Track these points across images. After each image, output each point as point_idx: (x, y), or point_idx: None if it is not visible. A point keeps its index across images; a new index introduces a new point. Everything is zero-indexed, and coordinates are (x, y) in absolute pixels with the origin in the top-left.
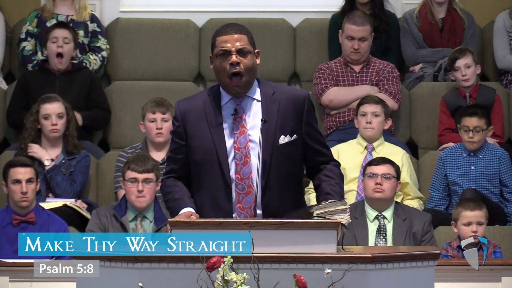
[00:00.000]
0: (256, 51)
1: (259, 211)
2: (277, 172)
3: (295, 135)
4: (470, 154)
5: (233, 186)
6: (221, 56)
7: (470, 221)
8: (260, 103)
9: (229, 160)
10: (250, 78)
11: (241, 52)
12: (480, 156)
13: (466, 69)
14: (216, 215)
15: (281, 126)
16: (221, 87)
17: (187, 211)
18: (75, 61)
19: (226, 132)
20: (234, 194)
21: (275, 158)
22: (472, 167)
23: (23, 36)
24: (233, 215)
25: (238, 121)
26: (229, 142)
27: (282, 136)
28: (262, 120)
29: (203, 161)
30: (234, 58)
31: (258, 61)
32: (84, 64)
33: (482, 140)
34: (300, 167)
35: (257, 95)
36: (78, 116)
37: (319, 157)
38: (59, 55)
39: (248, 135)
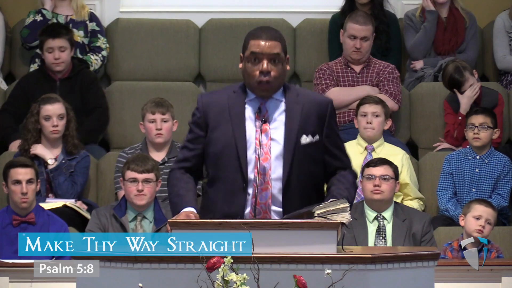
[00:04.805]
0: (287, 57)
1: (274, 208)
2: (298, 171)
3: (317, 136)
4: (475, 158)
5: (250, 180)
6: (252, 60)
7: (482, 215)
8: (283, 103)
9: (248, 155)
10: (279, 84)
11: (273, 60)
12: (486, 161)
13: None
14: (230, 208)
15: (304, 127)
16: (247, 87)
17: (187, 211)
18: (79, 57)
19: (248, 128)
20: (250, 188)
21: (297, 157)
22: (477, 170)
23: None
24: (247, 209)
25: (261, 118)
26: (249, 138)
27: (304, 136)
28: (262, 120)
29: (222, 154)
30: (265, 66)
31: (288, 67)
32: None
33: (487, 138)
34: (321, 169)
35: (282, 96)
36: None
37: (337, 162)
38: (57, 64)
39: (269, 133)
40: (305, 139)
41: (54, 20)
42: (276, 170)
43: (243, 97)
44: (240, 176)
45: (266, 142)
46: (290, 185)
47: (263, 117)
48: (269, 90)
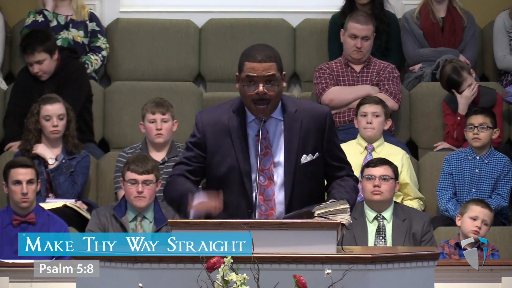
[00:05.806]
0: (283, 73)
1: None
2: (300, 191)
3: (316, 153)
4: (475, 158)
5: (255, 206)
6: (247, 83)
7: (478, 216)
8: (282, 123)
9: (252, 180)
10: (276, 103)
11: (268, 81)
12: (486, 161)
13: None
14: None
15: (303, 145)
16: (246, 107)
17: (201, 201)
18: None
19: (250, 152)
20: (256, 215)
21: (298, 177)
22: (477, 170)
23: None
24: None
25: (262, 142)
26: (253, 163)
27: (304, 155)
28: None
29: (225, 179)
30: (261, 88)
31: (284, 84)
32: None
33: (487, 139)
34: (321, 184)
35: (280, 115)
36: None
37: (339, 172)
38: (40, 76)
39: (272, 157)
40: (305, 159)
41: (55, 21)
42: (279, 194)
43: (243, 119)
44: (244, 201)
45: (269, 166)
46: (291, 206)
47: (264, 140)
48: (266, 112)
